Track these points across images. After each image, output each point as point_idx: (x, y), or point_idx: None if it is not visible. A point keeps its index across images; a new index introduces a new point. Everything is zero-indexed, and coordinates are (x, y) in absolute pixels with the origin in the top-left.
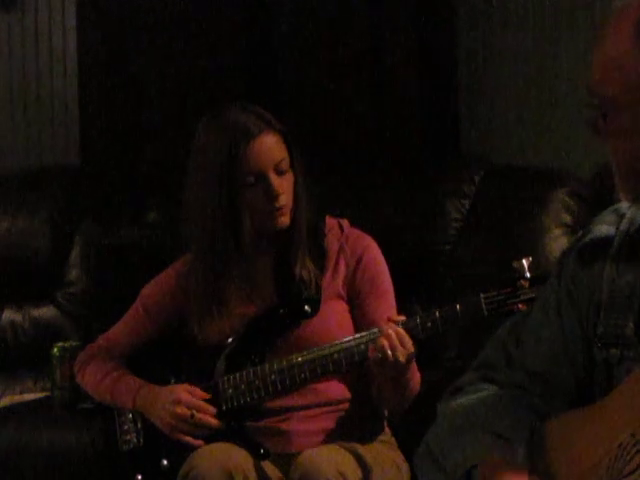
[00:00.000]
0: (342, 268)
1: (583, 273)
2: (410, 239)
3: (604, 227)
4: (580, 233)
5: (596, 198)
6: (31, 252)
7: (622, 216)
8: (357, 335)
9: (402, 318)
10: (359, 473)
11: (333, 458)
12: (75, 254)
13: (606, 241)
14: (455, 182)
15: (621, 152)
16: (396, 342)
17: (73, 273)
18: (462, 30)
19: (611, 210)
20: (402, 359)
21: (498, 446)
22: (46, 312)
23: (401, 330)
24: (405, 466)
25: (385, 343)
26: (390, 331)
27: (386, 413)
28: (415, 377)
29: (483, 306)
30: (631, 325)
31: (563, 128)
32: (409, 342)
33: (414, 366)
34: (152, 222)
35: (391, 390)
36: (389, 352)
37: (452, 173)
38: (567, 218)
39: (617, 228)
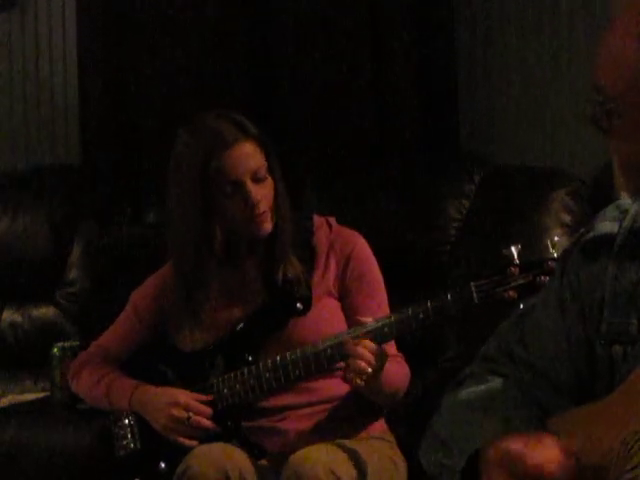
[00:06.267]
0: (332, 266)
1: (586, 270)
2: (410, 239)
3: (607, 224)
4: (583, 229)
5: (596, 198)
6: (31, 252)
7: (625, 212)
8: (349, 330)
9: (369, 320)
10: (353, 471)
11: (325, 457)
12: (75, 254)
13: (609, 238)
14: (455, 182)
15: (624, 151)
16: (370, 357)
17: (73, 273)
18: (461, 30)
19: (614, 206)
20: (377, 366)
21: (509, 430)
22: (46, 312)
23: (367, 342)
24: (402, 464)
25: (362, 364)
26: (360, 350)
27: (385, 410)
28: (391, 373)
29: (474, 294)
30: (635, 323)
31: (563, 128)
32: (375, 347)
33: (389, 365)
34: (152, 222)
35: (371, 395)
36: (369, 369)
37: (452, 173)
38: (567, 218)
39: (620, 225)
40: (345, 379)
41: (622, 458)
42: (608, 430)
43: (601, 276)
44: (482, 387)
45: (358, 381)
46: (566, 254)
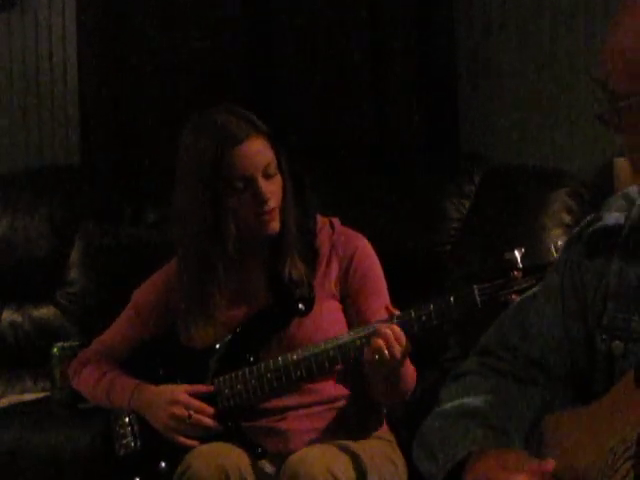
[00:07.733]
0: (334, 267)
1: (590, 261)
2: (410, 239)
3: (614, 214)
4: (589, 218)
5: (596, 198)
6: (31, 252)
7: (632, 202)
8: (352, 331)
9: (397, 312)
10: (352, 472)
11: (324, 458)
12: (75, 254)
13: (615, 229)
14: (455, 182)
15: (636, 147)
16: (392, 340)
17: (73, 273)
18: (461, 30)
19: (621, 195)
20: (399, 355)
21: (493, 437)
22: (46, 312)
23: (396, 327)
24: (402, 464)
25: (382, 343)
26: (386, 330)
27: (385, 410)
28: (409, 371)
29: (477, 297)
30: (637, 319)
31: (563, 128)
32: (404, 338)
33: (408, 361)
34: (152, 222)
35: (385, 387)
36: (386, 352)
37: (452, 173)
38: (567, 218)
39: (627, 216)
40: (366, 357)
41: (609, 467)
42: (597, 436)
43: (606, 268)
44: (475, 391)
45: (375, 357)
46: (571, 243)
